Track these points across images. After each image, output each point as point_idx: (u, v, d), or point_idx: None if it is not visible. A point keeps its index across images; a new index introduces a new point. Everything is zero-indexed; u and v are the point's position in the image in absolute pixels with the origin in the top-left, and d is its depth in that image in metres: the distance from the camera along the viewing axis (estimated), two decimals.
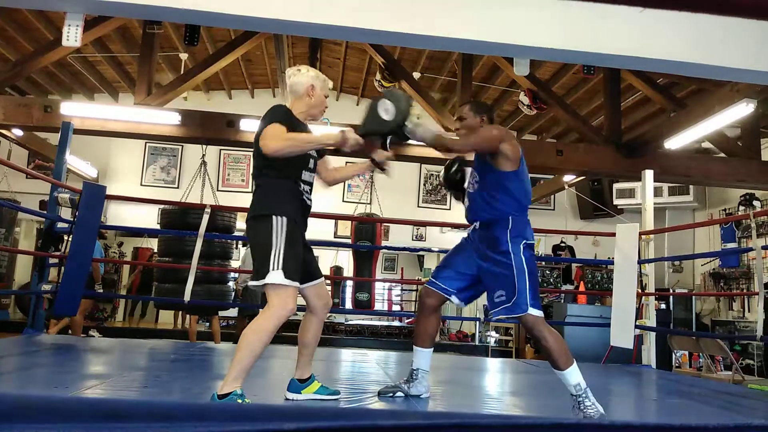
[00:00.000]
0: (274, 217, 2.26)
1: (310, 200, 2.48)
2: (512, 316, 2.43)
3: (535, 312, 2.42)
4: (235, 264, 8.25)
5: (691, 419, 2.60)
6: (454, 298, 2.64)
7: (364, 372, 3.78)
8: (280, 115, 2.37)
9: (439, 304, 2.68)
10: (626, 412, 2.99)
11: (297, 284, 2.24)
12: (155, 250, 8.80)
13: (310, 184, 2.48)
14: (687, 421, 1.15)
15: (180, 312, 9.94)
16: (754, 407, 3.29)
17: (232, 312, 9.00)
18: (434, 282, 2.66)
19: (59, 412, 1.02)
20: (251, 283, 2.26)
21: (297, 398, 2.45)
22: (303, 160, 2.39)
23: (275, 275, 2.18)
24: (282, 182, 2.36)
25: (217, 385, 2.21)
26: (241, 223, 8.80)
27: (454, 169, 2.80)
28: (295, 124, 2.38)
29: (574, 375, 2.38)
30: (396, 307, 14.25)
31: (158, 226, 7.10)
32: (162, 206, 7.00)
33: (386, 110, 2.47)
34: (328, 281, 8.43)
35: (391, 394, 2.64)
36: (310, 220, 2.55)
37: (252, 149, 2.42)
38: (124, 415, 0.97)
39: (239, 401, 2.12)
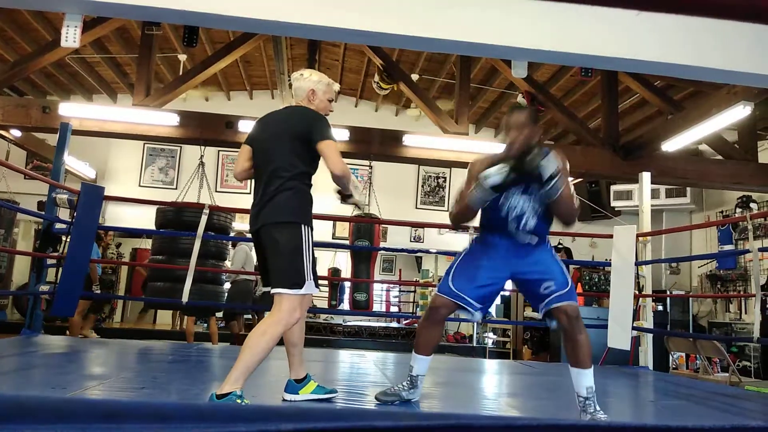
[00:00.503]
0: (302, 225, 2.30)
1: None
2: (566, 303, 2.37)
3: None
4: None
5: (687, 421, 2.61)
6: (477, 314, 2.51)
7: (362, 373, 3.79)
8: (329, 129, 2.41)
9: (450, 314, 2.59)
10: (623, 413, 2.99)
11: (317, 291, 2.33)
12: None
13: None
14: (684, 423, 1.16)
15: (177, 312, 9.94)
16: (750, 409, 3.30)
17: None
18: (455, 293, 2.48)
19: (56, 412, 1.02)
20: (278, 289, 2.23)
21: (295, 399, 2.44)
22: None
23: (309, 286, 2.25)
24: (308, 190, 2.41)
25: (215, 386, 2.22)
26: (237, 224, 8.80)
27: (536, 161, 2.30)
28: None
29: (591, 377, 2.37)
30: (394, 309, 14.25)
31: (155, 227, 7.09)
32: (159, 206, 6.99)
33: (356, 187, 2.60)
34: (325, 282, 8.45)
35: (390, 402, 2.57)
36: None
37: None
38: (121, 415, 0.98)
39: (238, 402, 2.11)
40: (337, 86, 2.61)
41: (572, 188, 2.48)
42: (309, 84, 2.50)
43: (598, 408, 2.35)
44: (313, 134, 2.34)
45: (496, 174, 2.30)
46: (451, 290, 2.49)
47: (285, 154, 2.35)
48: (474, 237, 2.68)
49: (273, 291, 2.26)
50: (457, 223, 2.60)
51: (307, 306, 2.48)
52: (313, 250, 2.33)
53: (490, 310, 2.60)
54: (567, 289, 2.41)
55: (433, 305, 2.55)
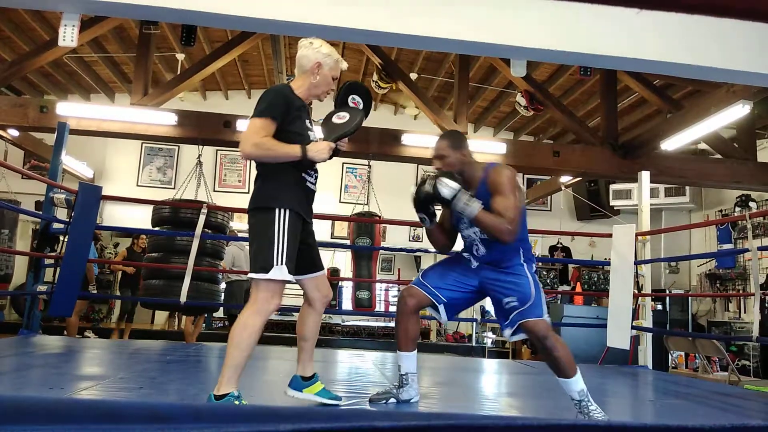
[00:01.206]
0: (276, 209, 2.19)
1: (315, 184, 2.38)
2: (527, 320, 2.37)
3: (547, 319, 2.40)
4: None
5: (687, 420, 2.60)
6: (441, 309, 2.53)
7: (361, 373, 3.78)
8: (272, 106, 2.22)
9: (421, 307, 2.59)
10: (623, 412, 2.99)
11: (291, 278, 2.19)
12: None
13: (315, 168, 2.37)
14: (683, 422, 1.15)
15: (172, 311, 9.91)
16: (750, 408, 3.30)
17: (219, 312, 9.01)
18: (424, 285, 2.56)
19: (53, 413, 1.01)
20: (249, 274, 2.18)
21: (296, 396, 2.36)
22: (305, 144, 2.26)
23: (278, 271, 2.14)
24: (284, 170, 2.24)
25: (213, 386, 2.20)
26: (234, 224, 8.78)
27: (444, 185, 2.36)
28: (291, 107, 2.27)
29: (579, 382, 2.37)
30: (393, 308, 14.24)
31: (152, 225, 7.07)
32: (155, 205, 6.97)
33: (340, 117, 2.43)
34: None
35: (384, 401, 2.56)
36: None
37: None
38: (118, 416, 0.97)
39: (236, 403, 2.09)
40: (345, 64, 2.46)
41: (508, 206, 2.36)
42: (318, 56, 2.34)
43: (593, 408, 2.35)
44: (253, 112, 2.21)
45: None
46: (419, 281, 2.59)
47: None
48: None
49: (248, 275, 2.21)
50: (436, 248, 2.71)
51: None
52: (295, 233, 2.22)
53: (488, 309, 2.59)
54: (529, 304, 2.39)
55: (400, 297, 2.62)
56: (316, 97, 2.41)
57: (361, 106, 2.50)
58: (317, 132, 2.39)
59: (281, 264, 2.14)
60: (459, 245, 2.71)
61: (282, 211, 2.19)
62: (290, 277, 2.18)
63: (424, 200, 2.43)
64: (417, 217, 2.56)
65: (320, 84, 2.36)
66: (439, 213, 2.66)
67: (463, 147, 2.53)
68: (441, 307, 2.54)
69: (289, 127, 2.25)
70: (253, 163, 2.32)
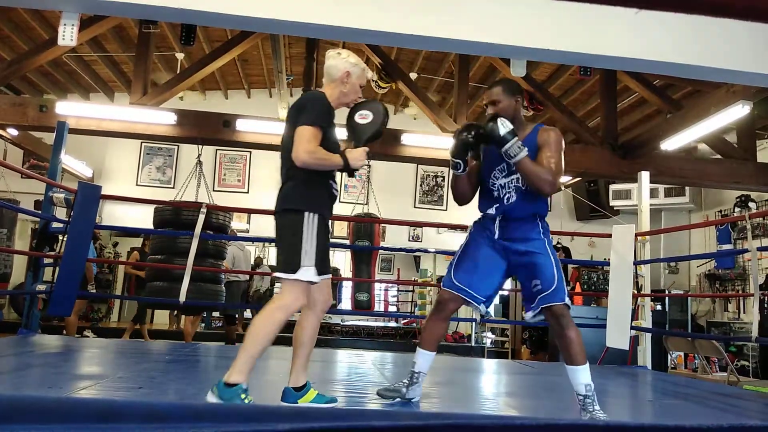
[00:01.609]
0: (306, 212, 2.26)
1: (337, 189, 2.46)
2: (552, 305, 2.40)
3: (568, 302, 2.44)
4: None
5: (686, 420, 2.60)
6: (482, 307, 2.55)
7: (360, 373, 3.78)
8: (321, 115, 2.31)
9: (457, 309, 2.62)
10: (622, 412, 2.99)
11: (317, 279, 2.26)
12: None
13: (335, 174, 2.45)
14: (681, 422, 1.15)
15: (172, 312, 9.92)
16: (749, 408, 3.30)
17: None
18: (461, 287, 2.52)
19: (52, 412, 1.01)
20: (277, 274, 2.25)
21: None
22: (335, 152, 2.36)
23: (306, 272, 2.21)
24: (315, 175, 2.32)
25: (211, 386, 2.20)
26: (234, 224, 8.78)
27: (497, 128, 2.39)
28: (332, 115, 2.38)
29: (587, 374, 2.38)
30: (392, 308, 14.25)
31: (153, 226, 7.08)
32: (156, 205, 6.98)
33: (363, 116, 2.47)
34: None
35: (391, 398, 2.56)
36: None
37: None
38: (117, 415, 0.97)
39: (242, 396, 2.12)
40: (370, 73, 2.55)
41: (553, 161, 2.45)
42: (346, 65, 2.43)
43: (597, 407, 2.35)
44: (298, 118, 2.29)
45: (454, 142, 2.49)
46: (454, 284, 2.53)
47: (289, 141, 2.32)
48: (474, 221, 2.69)
49: (274, 274, 2.30)
50: (456, 199, 2.68)
51: (320, 299, 2.40)
52: (322, 236, 2.29)
53: (489, 310, 2.59)
54: (553, 288, 2.41)
55: (441, 300, 2.57)
56: (345, 105, 2.49)
57: (370, 118, 2.50)
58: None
59: (309, 265, 2.22)
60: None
61: (311, 214, 2.27)
62: (317, 279, 2.25)
63: (471, 143, 2.45)
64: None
65: (349, 93, 2.46)
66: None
67: (518, 94, 2.58)
68: (482, 306, 2.55)
69: (327, 134, 2.34)
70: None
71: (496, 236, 2.53)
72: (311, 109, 2.31)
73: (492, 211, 2.55)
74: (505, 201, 2.52)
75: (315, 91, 2.44)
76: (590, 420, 2.26)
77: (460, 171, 2.55)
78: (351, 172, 2.35)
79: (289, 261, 2.22)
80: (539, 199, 2.53)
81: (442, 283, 2.59)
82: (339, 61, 2.43)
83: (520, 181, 2.49)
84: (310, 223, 2.26)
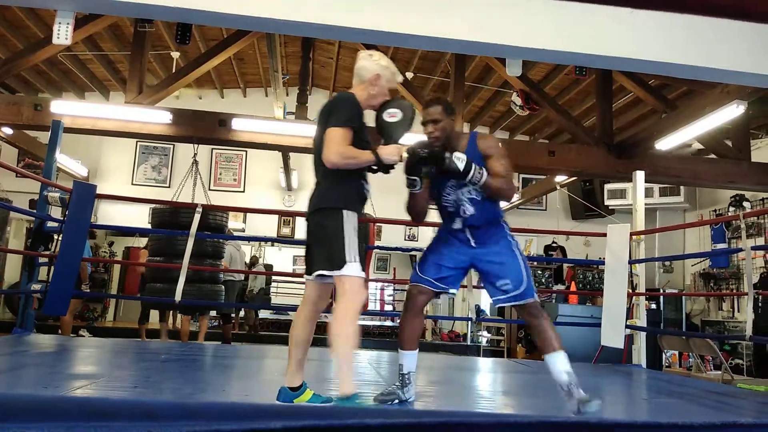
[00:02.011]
0: (344, 211, 2.30)
1: (368, 191, 2.50)
2: (524, 302, 2.50)
3: (536, 297, 2.55)
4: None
5: (680, 418, 2.61)
6: (452, 291, 2.65)
7: (356, 372, 3.77)
8: (351, 115, 2.33)
9: (428, 302, 2.69)
10: (616, 411, 3.00)
11: (363, 274, 2.30)
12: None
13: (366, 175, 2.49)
14: (676, 420, 1.16)
15: (168, 312, 9.91)
16: (742, 406, 3.32)
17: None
18: (427, 279, 2.62)
19: (45, 411, 1.01)
20: (332, 272, 2.25)
21: None
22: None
23: (356, 266, 2.24)
24: (350, 175, 2.36)
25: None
26: (231, 223, 8.76)
27: (440, 155, 2.47)
28: (362, 115, 2.41)
29: (566, 359, 2.44)
30: (388, 307, 14.25)
31: (149, 226, 7.07)
32: (153, 206, 6.97)
33: (392, 115, 2.48)
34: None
35: (390, 402, 2.55)
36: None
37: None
38: (110, 414, 0.97)
39: (357, 402, 2.16)
40: (400, 77, 2.57)
41: (503, 168, 2.54)
42: (377, 68, 2.44)
43: (582, 391, 2.39)
44: (328, 120, 2.32)
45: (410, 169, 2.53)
46: (420, 277, 2.64)
47: (321, 144, 2.34)
48: (437, 229, 2.79)
49: (316, 272, 2.29)
50: (414, 218, 2.73)
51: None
52: (357, 236, 2.31)
53: (483, 308, 2.65)
54: (524, 287, 2.51)
55: (409, 296, 2.65)
56: (372, 107, 2.49)
57: (399, 116, 2.51)
58: None
59: (355, 261, 2.25)
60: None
61: (349, 212, 2.31)
62: (363, 274, 2.27)
63: (426, 158, 2.49)
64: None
65: (378, 95, 2.47)
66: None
67: (454, 114, 2.71)
68: (452, 290, 2.65)
69: (359, 134, 2.37)
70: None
71: (473, 244, 2.62)
72: (341, 110, 2.34)
73: (458, 225, 2.63)
74: (462, 213, 2.60)
75: (344, 92, 2.46)
76: (583, 418, 2.27)
77: (417, 188, 2.58)
78: (386, 168, 2.37)
79: (335, 258, 2.24)
80: (495, 203, 2.64)
81: (410, 280, 2.67)
82: (370, 63, 2.45)
83: (472, 193, 2.57)
84: (350, 220, 2.30)
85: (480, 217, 2.60)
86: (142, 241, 9.69)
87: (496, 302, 2.59)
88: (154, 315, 8.46)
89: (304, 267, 2.46)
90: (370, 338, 9.94)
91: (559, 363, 2.43)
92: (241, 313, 9.89)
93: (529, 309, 2.51)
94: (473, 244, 2.61)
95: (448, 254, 2.63)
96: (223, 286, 7.12)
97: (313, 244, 2.37)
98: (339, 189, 2.34)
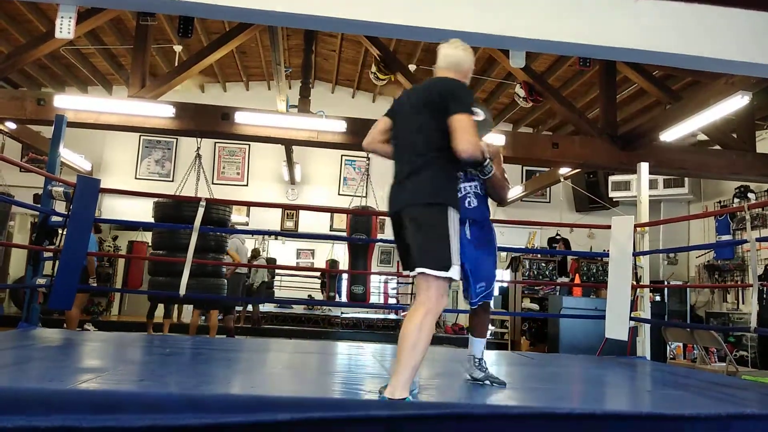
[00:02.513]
0: (449, 207, 2.13)
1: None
2: (487, 302, 2.76)
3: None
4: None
5: (684, 409, 2.62)
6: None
7: (360, 365, 3.79)
8: (469, 103, 2.17)
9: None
10: (621, 402, 3.00)
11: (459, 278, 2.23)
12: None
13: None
14: (680, 411, 1.15)
15: (173, 306, 9.95)
16: (747, 398, 3.31)
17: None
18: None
19: (51, 403, 1.01)
20: (424, 270, 2.07)
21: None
22: None
23: (456, 270, 2.10)
24: (453, 168, 2.21)
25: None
26: (235, 216, 8.73)
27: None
28: None
29: (484, 345, 2.77)
30: (392, 300, 14.27)
31: (153, 220, 7.09)
32: (156, 199, 6.98)
33: (476, 114, 2.42)
34: (315, 273, 8.41)
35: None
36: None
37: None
38: (116, 406, 0.97)
39: None
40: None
41: (500, 165, 2.65)
42: (471, 62, 2.38)
43: (491, 371, 2.74)
44: (450, 106, 2.13)
45: None
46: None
47: (425, 129, 2.17)
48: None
49: (418, 270, 2.08)
50: (501, 198, 2.75)
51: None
52: (458, 236, 2.17)
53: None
54: (491, 288, 2.72)
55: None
56: None
57: (482, 116, 2.55)
58: None
59: (457, 263, 2.11)
60: None
61: (453, 210, 2.15)
62: (458, 277, 2.17)
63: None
64: None
65: None
66: None
67: None
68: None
69: None
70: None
71: (469, 237, 2.62)
72: (463, 97, 2.17)
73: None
74: (467, 205, 2.61)
75: (451, 78, 2.30)
76: (589, 410, 2.27)
77: (491, 171, 2.51)
78: (485, 168, 2.37)
79: (438, 258, 2.07)
80: (488, 202, 2.74)
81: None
82: (467, 55, 2.39)
83: (477, 188, 2.65)
84: (453, 219, 2.14)
85: (480, 213, 2.65)
86: (146, 236, 9.74)
87: (473, 303, 2.71)
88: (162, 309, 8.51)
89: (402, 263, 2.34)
90: (374, 331, 9.98)
91: (481, 345, 2.74)
92: (249, 307, 9.93)
93: (489, 304, 2.75)
94: (469, 237, 2.61)
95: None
96: (225, 280, 7.15)
97: (413, 240, 2.15)
98: (444, 182, 2.16)
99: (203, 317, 8.59)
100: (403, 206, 2.18)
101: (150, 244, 8.43)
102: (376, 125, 2.43)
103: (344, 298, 9.98)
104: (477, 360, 2.75)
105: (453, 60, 2.36)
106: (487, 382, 2.76)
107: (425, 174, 2.14)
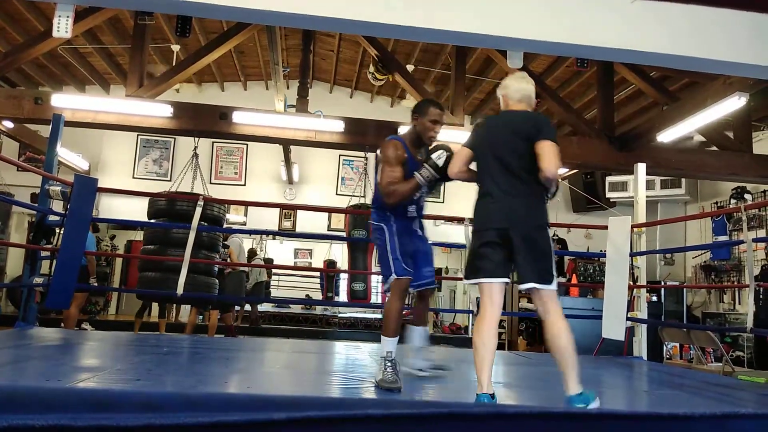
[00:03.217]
0: (548, 229, 2.52)
1: None
2: (431, 288, 3.14)
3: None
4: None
5: (681, 409, 2.62)
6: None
7: (357, 364, 3.79)
8: (556, 137, 2.51)
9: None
10: (617, 402, 3.01)
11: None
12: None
13: None
14: (675, 411, 1.16)
15: (170, 305, 9.92)
16: (743, 398, 3.32)
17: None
18: (410, 272, 2.93)
19: (47, 402, 1.01)
20: (538, 285, 2.41)
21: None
22: None
23: (556, 282, 2.48)
24: (543, 189, 2.54)
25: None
26: (230, 216, 8.70)
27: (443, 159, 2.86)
28: None
29: (393, 344, 2.79)
30: None
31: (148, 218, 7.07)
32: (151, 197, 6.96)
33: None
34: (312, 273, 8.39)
35: (396, 390, 2.68)
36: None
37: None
38: (112, 405, 0.97)
39: (591, 395, 2.36)
40: None
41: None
42: (533, 92, 2.64)
43: (393, 370, 2.71)
44: (542, 134, 2.45)
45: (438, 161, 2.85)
46: (408, 271, 2.89)
47: (525, 155, 2.46)
48: (390, 219, 2.95)
49: (542, 287, 2.41)
50: (396, 199, 2.86)
51: None
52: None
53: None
54: (434, 277, 3.14)
55: (404, 288, 2.90)
56: None
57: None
58: None
59: (557, 276, 2.53)
60: None
61: (549, 230, 2.54)
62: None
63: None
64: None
65: None
66: None
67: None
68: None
69: None
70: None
71: (419, 233, 3.05)
72: (551, 130, 2.50)
73: (413, 212, 3.00)
74: (420, 203, 3.02)
75: (541, 115, 2.73)
76: (585, 410, 2.28)
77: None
78: (554, 191, 2.65)
79: (551, 274, 2.44)
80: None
81: (397, 272, 2.86)
82: (531, 87, 2.64)
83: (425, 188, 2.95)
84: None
85: (424, 209, 3.09)
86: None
87: (418, 286, 3.03)
88: (155, 310, 8.49)
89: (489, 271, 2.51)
90: (371, 331, 9.97)
91: (388, 344, 2.79)
92: (246, 307, 9.93)
93: (430, 291, 3.13)
94: (419, 232, 3.04)
95: (410, 242, 2.96)
96: (216, 279, 7.14)
97: (530, 258, 2.44)
98: (545, 205, 2.56)
99: (200, 316, 8.59)
100: (515, 224, 2.44)
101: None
102: (461, 156, 2.68)
103: (343, 298, 9.99)
104: (381, 359, 2.78)
105: (526, 94, 2.63)
106: (428, 372, 3.05)
107: (534, 197, 2.50)
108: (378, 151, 2.95)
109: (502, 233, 2.44)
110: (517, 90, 2.62)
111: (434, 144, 2.94)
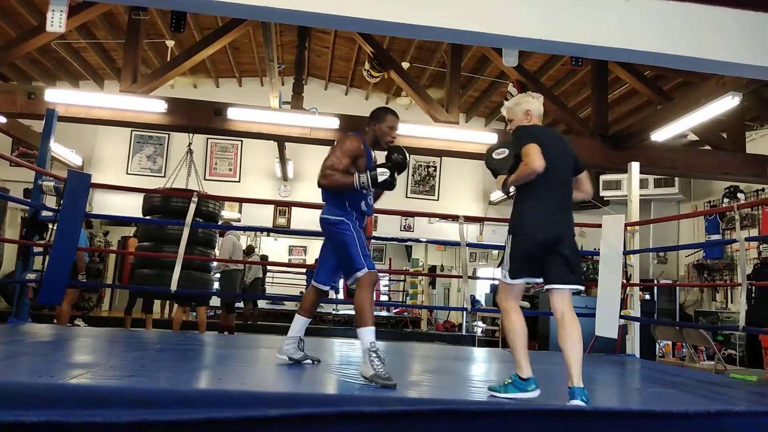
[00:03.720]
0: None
1: None
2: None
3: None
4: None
5: (673, 407, 2.64)
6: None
7: (351, 362, 3.79)
8: None
9: None
10: (610, 400, 3.02)
11: None
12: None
13: None
14: (668, 408, 1.16)
15: (162, 302, 9.89)
16: (735, 396, 3.35)
17: (216, 301, 8.98)
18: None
19: (41, 398, 1.01)
20: (574, 286, 2.67)
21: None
22: None
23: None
24: None
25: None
26: (226, 213, 8.68)
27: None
28: None
29: (372, 334, 2.84)
30: (384, 298, 14.30)
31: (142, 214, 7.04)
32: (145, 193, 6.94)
33: (500, 153, 2.95)
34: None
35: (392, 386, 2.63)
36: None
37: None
38: (105, 401, 0.97)
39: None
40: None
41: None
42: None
43: (379, 362, 2.66)
44: (580, 163, 2.85)
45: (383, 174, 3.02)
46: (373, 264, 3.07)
47: (570, 176, 2.83)
48: (352, 215, 3.08)
49: (574, 287, 2.68)
50: (333, 187, 3.04)
51: None
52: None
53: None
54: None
55: (374, 280, 3.05)
56: None
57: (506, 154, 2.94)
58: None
59: None
60: None
61: None
62: None
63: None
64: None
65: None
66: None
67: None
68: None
69: None
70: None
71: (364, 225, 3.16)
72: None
73: (365, 209, 3.11)
74: (369, 200, 3.16)
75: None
76: (579, 407, 2.29)
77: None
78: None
79: (580, 277, 2.72)
80: None
81: (369, 267, 3.01)
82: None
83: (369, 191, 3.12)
84: None
85: (371, 206, 3.20)
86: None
87: (334, 283, 3.32)
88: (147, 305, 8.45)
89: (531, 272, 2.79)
90: None
91: (367, 334, 2.86)
92: (240, 303, 9.91)
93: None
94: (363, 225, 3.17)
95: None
96: (212, 275, 7.11)
97: (574, 262, 2.70)
98: None
99: (193, 313, 8.57)
100: (566, 234, 2.71)
101: (134, 236, 8.36)
102: (540, 153, 2.70)
103: (339, 295, 9.99)
104: (365, 350, 2.81)
105: (539, 113, 2.93)
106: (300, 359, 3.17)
107: (571, 212, 2.80)
108: (336, 141, 3.08)
109: (554, 240, 2.67)
110: (536, 108, 2.91)
111: (394, 145, 3.18)
